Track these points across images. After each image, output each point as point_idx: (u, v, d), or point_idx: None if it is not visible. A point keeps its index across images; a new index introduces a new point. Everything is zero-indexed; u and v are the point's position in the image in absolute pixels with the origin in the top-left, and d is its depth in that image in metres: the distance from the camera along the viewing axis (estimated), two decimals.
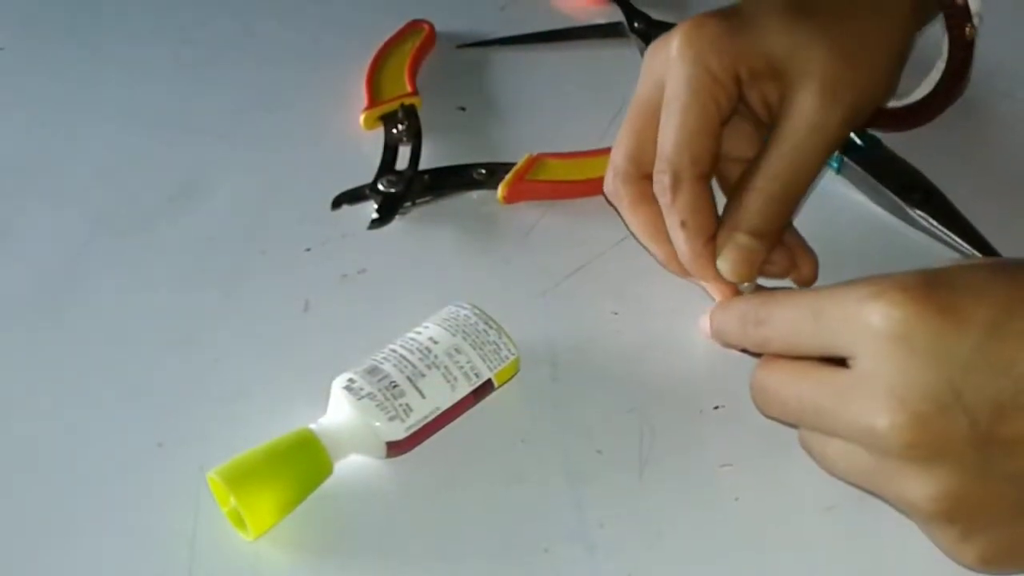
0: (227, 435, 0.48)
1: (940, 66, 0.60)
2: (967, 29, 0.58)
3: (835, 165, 0.61)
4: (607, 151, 0.63)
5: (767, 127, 0.53)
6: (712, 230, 0.51)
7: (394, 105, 0.65)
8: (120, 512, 0.48)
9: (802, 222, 0.55)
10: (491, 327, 0.51)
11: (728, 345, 0.50)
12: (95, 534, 0.47)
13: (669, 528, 0.47)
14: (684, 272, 0.53)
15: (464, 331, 0.50)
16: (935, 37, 0.60)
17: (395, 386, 0.48)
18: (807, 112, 0.50)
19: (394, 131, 0.64)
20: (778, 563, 0.46)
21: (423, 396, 0.48)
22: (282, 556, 0.46)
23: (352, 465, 0.49)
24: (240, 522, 0.46)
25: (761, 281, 0.53)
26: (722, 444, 0.50)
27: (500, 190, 0.61)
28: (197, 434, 0.50)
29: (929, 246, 0.58)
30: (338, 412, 0.48)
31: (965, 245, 0.57)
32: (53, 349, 0.55)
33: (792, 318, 0.44)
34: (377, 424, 0.47)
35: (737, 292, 0.52)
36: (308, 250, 0.59)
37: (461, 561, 0.46)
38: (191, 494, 0.48)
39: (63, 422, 0.51)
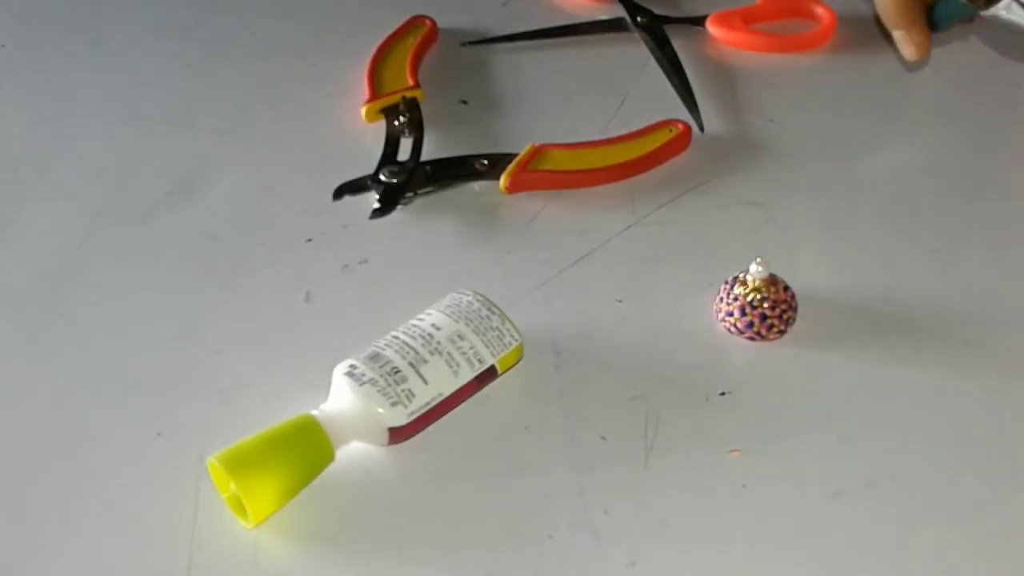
0: (227, 425, 0.48)
1: None
2: None
3: None
4: (610, 141, 0.63)
5: None
6: None
7: (396, 98, 0.65)
8: (120, 502, 0.47)
9: None
10: (494, 313, 0.50)
11: None
12: (95, 523, 0.47)
13: (674, 515, 0.46)
14: None
15: (467, 317, 0.50)
16: None
17: (397, 372, 0.48)
18: None
19: (396, 123, 0.64)
20: (785, 549, 0.45)
21: (425, 382, 0.48)
22: (282, 545, 0.46)
23: (354, 453, 0.48)
24: (240, 509, 0.46)
25: None
26: (728, 431, 0.49)
27: (502, 180, 0.60)
28: (197, 424, 0.50)
29: None
30: (340, 398, 0.48)
31: None
32: (54, 341, 0.54)
33: None
34: (379, 410, 0.47)
35: None
36: (310, 241, 0.59)
37: (464, 548, 0.46)
38: (191, 484, 0.47)
39: (64, 413, 0.51)
